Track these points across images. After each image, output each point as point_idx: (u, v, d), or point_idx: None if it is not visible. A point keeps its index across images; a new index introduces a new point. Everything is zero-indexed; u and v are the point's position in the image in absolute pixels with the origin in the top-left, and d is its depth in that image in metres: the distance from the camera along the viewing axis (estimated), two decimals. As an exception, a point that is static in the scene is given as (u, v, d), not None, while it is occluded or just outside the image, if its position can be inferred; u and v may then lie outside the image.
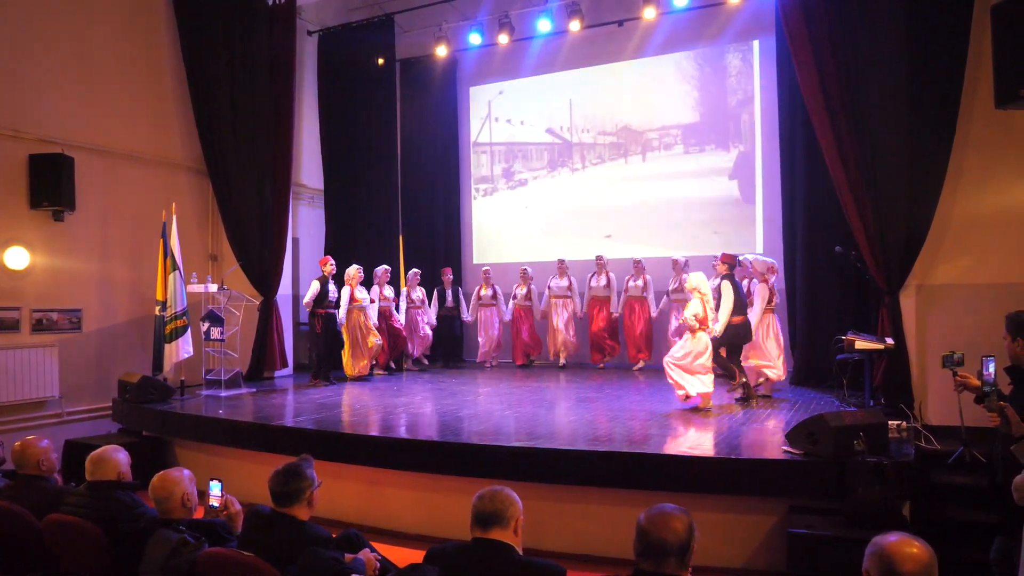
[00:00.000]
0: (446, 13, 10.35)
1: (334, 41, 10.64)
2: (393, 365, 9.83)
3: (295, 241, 10.29)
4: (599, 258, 9.82)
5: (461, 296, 10.56)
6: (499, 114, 11.44)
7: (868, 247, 6.30)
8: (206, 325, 7.70)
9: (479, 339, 10.31)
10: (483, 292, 10.26)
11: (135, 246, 8.49)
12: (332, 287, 8.70)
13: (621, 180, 10.52)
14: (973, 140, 5.94)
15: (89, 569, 3.09)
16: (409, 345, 9.93)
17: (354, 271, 8.82)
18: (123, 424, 7.45)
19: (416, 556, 2.70)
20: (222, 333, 7.69)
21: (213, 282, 8.19)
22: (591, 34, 9.97)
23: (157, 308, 7.70)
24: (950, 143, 5.92)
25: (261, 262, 9.12)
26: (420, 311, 10.06)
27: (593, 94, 10.69)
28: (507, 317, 10.24)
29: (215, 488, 3.24)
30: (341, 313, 8.71)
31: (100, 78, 8.17)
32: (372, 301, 9.12)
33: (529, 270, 10.21)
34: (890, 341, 6.00)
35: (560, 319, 9.88)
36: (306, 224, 10.76)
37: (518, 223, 11.29)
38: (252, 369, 9.01)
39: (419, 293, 10.09)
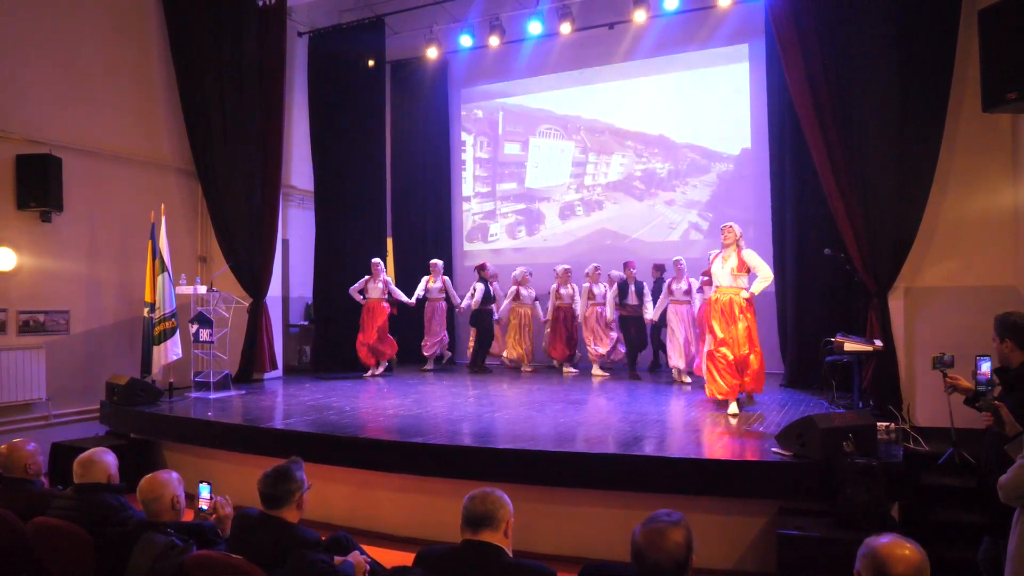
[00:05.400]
0: (437, 15, 10.34)
1: (325, 42, 10.61)
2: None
3: (285, 243, 10.25)
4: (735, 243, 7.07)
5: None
6: (490, 115, 11.45)
7: (857, 249, 6.33)
8: (195, 327, 7.64)
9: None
10: (562, 290, 9.57)
11: (123, 247, 8.44)
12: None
13: (611, 181, 10.54)
14: (960, 143, 6.00)
15: (75, 573, 3.06)
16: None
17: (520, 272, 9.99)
18: (111, 426, 7.38)
19: (406, 558, 2.70)
20: (211, 335, 7.64)
21: (202, 284, 8.12)
22: (582, 37, 9.99)
23: (146, 310, 7.65)
24: (938, 146, 5.97)
25: (251, 264, 9.07)
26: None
27: (583, 96, 10.71)
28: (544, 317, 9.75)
29: (204, 491, 3.23)
30: (503, 311, 9.91)
31: (88, 78, 8.12)
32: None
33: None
34: (879, 343, 6.02)
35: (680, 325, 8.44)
36: (296, 226, 10.71)
37: (509, 224, 11.28)
38: (241, 371, 8.97)
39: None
